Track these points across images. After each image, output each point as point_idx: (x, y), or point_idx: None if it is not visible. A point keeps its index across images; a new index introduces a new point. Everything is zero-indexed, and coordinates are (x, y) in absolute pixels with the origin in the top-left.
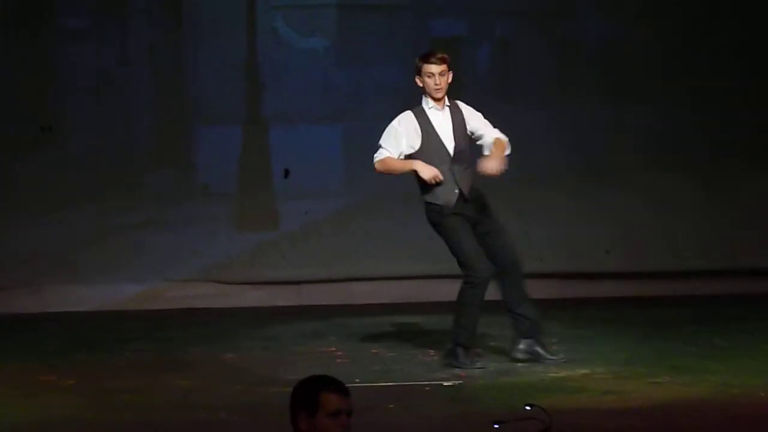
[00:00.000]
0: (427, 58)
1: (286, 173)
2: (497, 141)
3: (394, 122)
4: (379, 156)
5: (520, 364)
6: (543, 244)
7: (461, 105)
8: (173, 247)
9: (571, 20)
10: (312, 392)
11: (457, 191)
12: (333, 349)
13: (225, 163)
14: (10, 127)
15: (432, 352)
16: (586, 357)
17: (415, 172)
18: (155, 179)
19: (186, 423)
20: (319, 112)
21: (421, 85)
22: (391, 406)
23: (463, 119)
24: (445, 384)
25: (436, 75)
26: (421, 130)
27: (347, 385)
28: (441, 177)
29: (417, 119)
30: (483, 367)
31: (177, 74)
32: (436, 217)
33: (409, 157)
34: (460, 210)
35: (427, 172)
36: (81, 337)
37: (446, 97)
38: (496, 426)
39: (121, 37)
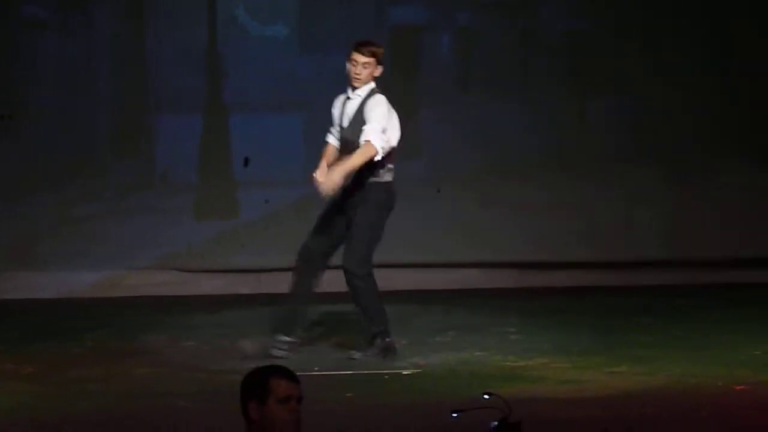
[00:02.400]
0: (357, 46)
1: (246, 162)
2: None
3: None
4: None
5: (478, 353)
6: (501, 234)
7: (373, 99)
8: (133, 236)
9: (533, 9)
10: (261, 380)
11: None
12: (293, 336)
13: (185, 152)
14: None
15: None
16: (544, 346)
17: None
18: (115, 168)
19: (146, 411)
20: (279, 101)
21: (347, 70)
22: (350, 395)
23: (363, 114)
24: (404, 372)
25: (359, 64)
26: (339, 112)
27: (306, 372)
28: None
29: (340, 101)
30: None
31: (137, 63)
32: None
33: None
34: (338, 197)
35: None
36: (40, 326)
37: (368, 88)
38: (455, 415)
39: (82, 26)
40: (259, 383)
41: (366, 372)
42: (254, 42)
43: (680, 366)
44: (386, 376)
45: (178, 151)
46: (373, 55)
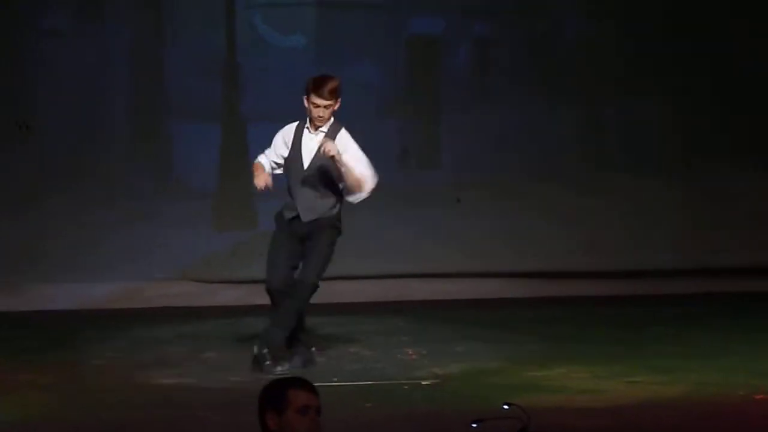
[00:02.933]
0: (317, 89)
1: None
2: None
3: (281, 132)
4: (255, 161)
5: (497, 363)
6: (520, 244)
7: (341, 135)
8: (150, 246)
9: (549, 18)
10: (280, 390)
11: (293, 213)
12: (312, 348)
13: (202, 161)
14: None
15: (410, 351)
16: (563, 356)
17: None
18: (133, 178)
19: (164, 422)
20: (296, 111)
21: (305, 105)
22: (369, 404)
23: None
24: (423, 383)
25: (321, 107)
26: (291, 144)
27: (325, 383)
28: (261, 186)
29: (294, 133)
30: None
31: (155, 72)
32: (277, 218)
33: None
34: (294, 226)
35: (256, 180)
36: (57, 337)
37: (328, 125)
38: (474, 425)
39: (100, 35)
40: (277, 394)
41: (385, 382)
42: (272, 52)
43: (698, 375)
44: (405, 386)
45: (196, 160)
46: (332, 95)
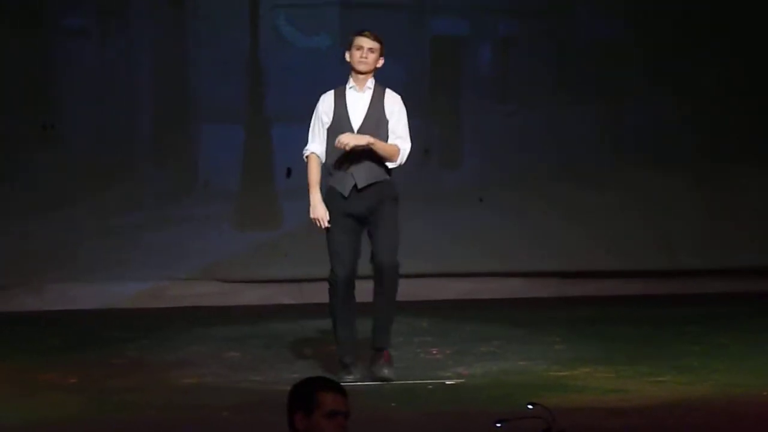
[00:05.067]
0: (361, 32)
1: (289, 172)
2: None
3: (318, 105)
4: (305, 152)
5: (521, 363)
6: (543, 243)
7: (389, 94)
8: (174, 246)
9: (570, 18)
10: (310, 392)
11: (353, 181)
12: (334, 347)
13: (227, 162)
14: (11, 125)
15: (434, 350)
16: (588, 356)
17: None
18: (157, 177)
19: (188, 422)
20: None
21: (348, 60)
22: (394, 404)
23: (384, 108)
24: (447, 382)
25: (365, 48)
26: (335, 109)
27: (349, 383)
28: (323, 225)
29: (334, 98)
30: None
31: (179, 72)
32: (328, 202)
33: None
34: (353, 203)
35: (313, 212)
36: (82, 336)
37: (373, 81)
38: (499, 425)
39: (124, 35)
40: (306, 395)
41: (409, 382)
42: (296, 52)
43: (724, 375)
44: (430, 386)
45: (220, 160)
46: (379, 41)
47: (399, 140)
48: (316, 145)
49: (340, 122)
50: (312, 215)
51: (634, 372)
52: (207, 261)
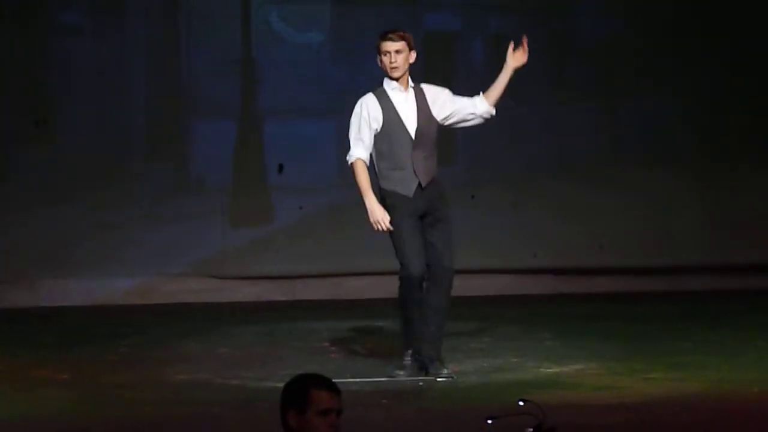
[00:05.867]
0: (384, 35)
1: (281, 168)
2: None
3: (357, 108)
4: (350, 158)
5: (513, 360)
6: (536, 240)
7: (425, 87)
8: (167, 242)
9: (565, 14)
10: (303, 390)
11: (416, 180)
12: (327, 344)
13: (219, 158)
14: (5, 122)
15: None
16: (579, 353)
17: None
18: (150, 174)
19: (180, 418)
20: (313, 107)
21: (380, 66)
22: (385, 401)
23: (427, 103)
24: (438, 379)
25: (392, 53)
26: (383, 112)
27: (340, 380)
28: (384, 226)
29: (379, 101)
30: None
31: (172, 69)
32: (392, 205)
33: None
34: (415, 200)
35: (373, 215)
36: (75, 332)
37: (409, 79)
38: (490, 421)
39: (117, 31)
40: (299, 393)
41: (401, 379)
42: (288, 48)
43: (716, 372)
44: (421, 383)
45: (213, 156)
46: (403, 38)
47: (467, 99)
48: (361, 150)
49: (391, 126)
50: (372, 219)
51: (627, 369)
52: (200, 257)
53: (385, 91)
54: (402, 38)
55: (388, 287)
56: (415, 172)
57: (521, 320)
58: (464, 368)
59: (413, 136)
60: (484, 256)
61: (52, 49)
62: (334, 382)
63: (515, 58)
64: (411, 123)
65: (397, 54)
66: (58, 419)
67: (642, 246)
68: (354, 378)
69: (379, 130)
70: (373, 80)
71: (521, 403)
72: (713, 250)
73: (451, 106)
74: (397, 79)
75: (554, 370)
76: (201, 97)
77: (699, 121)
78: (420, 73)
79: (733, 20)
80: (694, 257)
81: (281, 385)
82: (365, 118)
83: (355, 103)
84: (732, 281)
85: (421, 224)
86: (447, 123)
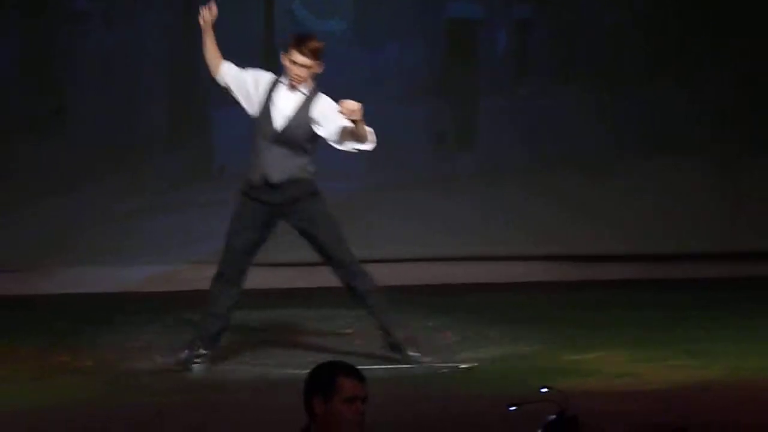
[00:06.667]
0: (298, 45)
1: None
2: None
3: (258, 70)
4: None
5: (534, 347)
6: (559, 226)
7: (320, 97)
8: (189, 229)
9: (587, 3)
10: (328, 377)
11: (263, 172)
12: (349, 331)
13: (241, 145)
14: (21, 110)
15: (449, 334)
16: (600, 340)
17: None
18: (170, 161)
19: (202, 405)
20: (335, 95)
21: (283, 62)
22: (408, 388)
23: (308, 110)
24: (461, 366)
25: (299, 65)
26: (265, 96)
27: (364, 367)
28: (204, 19)
29: (269, 86)
30: None
31: (193, 55)
32: (244, 191)
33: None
34: (263, 195)
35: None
36: (95, 319)
37: (308, 87)
38: (512, 408)
39: (134, 18)
40: (325, 380)
41: (423, 366)
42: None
43: (736, 358)
44: (444, 370)
45: (234, 143)
46: (315, 57)
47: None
48: (230, 65)
49: (263, 113)
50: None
51: (646, 356)
52: (220, 245)
53: (278, 81)
54: (313, 55)
55: (410, 274)
56: (266, 165)
57: (542, 308)
58: (486, 355)
59: (276, 134)
60: (504, 243)
61: (68, 35)
62: (359, 370)
63: (344, 107)
64: (280, 120)
65: (305, 68)
66: (76, 408)
67: (658, 233)
68: (377, 365)
69: (253, 111)
70: (395, 68)
71: (543, 390)
72: (728, 236)
73: (332, 131)
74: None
75: (575, 357)
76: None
77: (707, 107)
78: (441, 61)
79: (746, 5)
80: (708, 244)
81: (305, 372)
82: (251, 75)
83: (377, 90)
84: (746, 269)
85: (265, 218)
86: (329, 141)
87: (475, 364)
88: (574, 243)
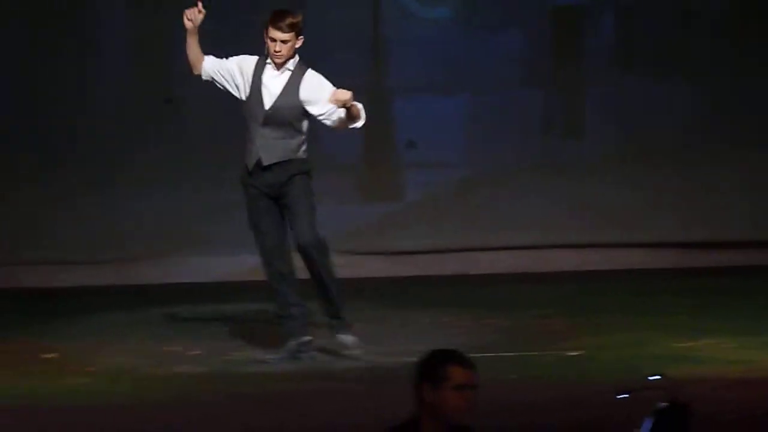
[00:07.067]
0: (274, 22)
1: (410, 144)
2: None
3: (239, 57)
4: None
5: (643, 334)
6: (663, 214)
7: (309, 74)
8: None
9: None
10: (439, 364)
11: (257, 156)
12: (454, 318)
13: (348, 134)
14: (135, 100)
15: (557, 321)
16: (710, 327)
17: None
18: None
19: (312, 392)
20: (442, 83)
21: (265, 40)
22: (514, 376)
23: (299, 88)
24: (568, 354)
25: (278, 41)
26: (251, 78)
27: (473, 355)
28: (189, 18)
29: (254, 68)
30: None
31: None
32: (242, 179)
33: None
34: (258, 180)
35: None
36: (206, 308)
37: (292, 61)
38: (621, 396)
39: (246, 7)
40: (435, 368)
41: (530, 353)
42: (417, 23)
43: None
44: (551, 358)
45: (343, 133)
46: (292, 28)
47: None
48: (211, 59)
49: (251, 98)
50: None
51: (759, 343)
52: (330, 233)
53: (263, 62)
54: (291, 28)
55: (514, 262)
56: (259, 148)
57: (650, 294)
58: (594, 342)
59: (266, 114)
60: (612, 230)
61: (179, 27)
62: (469, 358)
63: (335, 98)
64: (269, 100)
65: (284, 44)
66: (189, 395)
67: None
68: (482, 353)
69: (240, 95)
70: (501, 55)
71: (653, 378)
72: None
73: (322, 108)
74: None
75: (685, 344)
76: (329, 73)
77: None
78: (548, 48)
79: None
80: None
81: (410, 360)
82: (234, 62)
83: (483, 77)
84: None
85: (270, 203)
86: (320, 119)
87: (583, 351)
88: (686, 230)
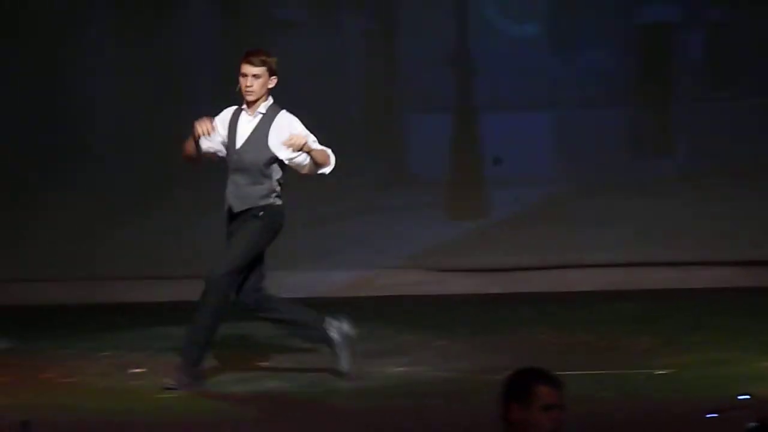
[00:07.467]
0: (246, 57)
1: (496, 161)
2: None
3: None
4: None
5: (733, 353)
6: (754, 232)
7: (279, 117)
8: (384, 235)
9: None
10: (526, 384)
11: (228, 203)
12: (544, 336)
13: (435, 151)
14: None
15: (645, 339)
16: None
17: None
18: (366, 167)
19: (399, 411)
20: (529, 99)
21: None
22: (603, 395)
23: (268, 133)
24: (656, 372)
25: (249, 76)
26: (228, 125)
27: (558, 373)
28: (199, 132)
29: (231, 115)
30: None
31: (388, 62)
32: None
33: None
34: (229, 222)
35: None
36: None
37: (266, 105)
38: (710, 416)
39: (332, 24)
40: (523, 387)
41: (618, 371)
42: (505, 40)
43: None
44: (639, 376)
45: (429, 149)
46: (264, 64)
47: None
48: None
49: (227, 144)
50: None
51: None
52: (415, 250)
53: (240, 110)
54: (263, 63)
55: (604, 279)
56: (229, 195)
57: (742, 313)
58: (683, 361)
59: (233, 160)
60: (703, 248)
61: (268, 43)
62: (557, 377)
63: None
64: (238, 146)
65: (255, 78)
66: (275, 405)
67: None
68: (573, 371)
69: (222, 142)
70: (588, 72)
71: (742, 398)
72: None
73: (291, 153)
74: (248, 104)
75: None
76: (417, 90)
77: None
78: (636, 65)
79: None
80: None
81: (497, 378)
82: (217, 119)
83: (570, 94)
84: None
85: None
86: (289, 164)
87: (672, 369)
88: (740, 249)
